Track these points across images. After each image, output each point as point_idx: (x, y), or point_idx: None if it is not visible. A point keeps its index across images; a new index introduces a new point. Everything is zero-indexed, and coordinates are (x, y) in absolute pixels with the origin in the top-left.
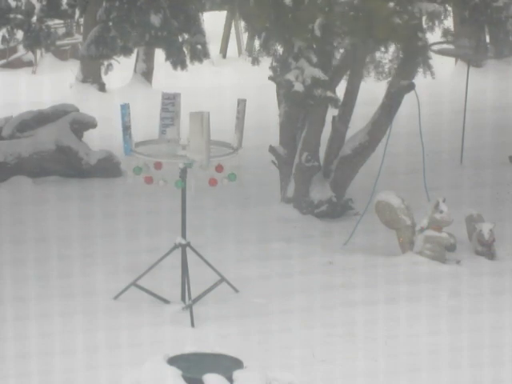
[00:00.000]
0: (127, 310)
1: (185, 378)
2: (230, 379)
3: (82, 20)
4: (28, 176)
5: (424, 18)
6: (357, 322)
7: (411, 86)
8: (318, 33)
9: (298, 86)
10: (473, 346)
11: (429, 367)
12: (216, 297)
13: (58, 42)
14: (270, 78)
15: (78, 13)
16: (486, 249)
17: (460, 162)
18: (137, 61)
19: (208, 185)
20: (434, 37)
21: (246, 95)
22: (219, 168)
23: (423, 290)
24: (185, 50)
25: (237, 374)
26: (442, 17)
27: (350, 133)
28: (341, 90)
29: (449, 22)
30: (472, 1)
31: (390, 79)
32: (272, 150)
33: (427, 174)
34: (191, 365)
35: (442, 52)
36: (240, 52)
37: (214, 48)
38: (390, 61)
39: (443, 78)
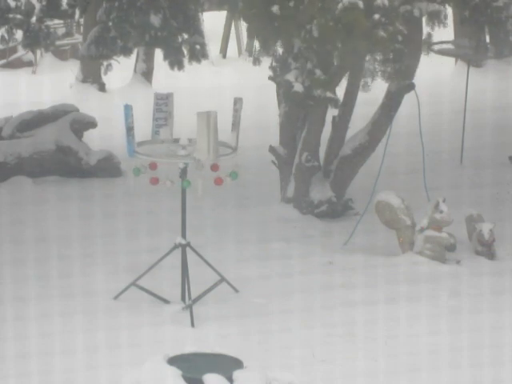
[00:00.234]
0: (127, 309)
1: (185, 378)
2: (230, 379)
3: (82, 20)
4: (28, 176)
5: (424, 18)
6: (357, 322)
7: (411, 86)
8: (315, 34)
9: (298, 87)
10: (473, 346)
11: (429, 367)
12: (216, 297)
13: (58, 42)
14: (270, 78)
15: (78, 13)
16: (486, 249)
17: (460, 162)
18: (137, 61)
19: (213, 184)
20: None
21: (246, 95)
22: (215, 167)
23: (423, 290)
24: (184, 50)
25: (237, 374)
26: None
27: (350, 133)
28: (341, 90)
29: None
30: (472, 1)
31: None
32: (272, 150)
33: (427, 174)
34: (191, 365)
35: (441, 52)
36: (240, 52)
37: (213, 48)
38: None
39: (443, 78)
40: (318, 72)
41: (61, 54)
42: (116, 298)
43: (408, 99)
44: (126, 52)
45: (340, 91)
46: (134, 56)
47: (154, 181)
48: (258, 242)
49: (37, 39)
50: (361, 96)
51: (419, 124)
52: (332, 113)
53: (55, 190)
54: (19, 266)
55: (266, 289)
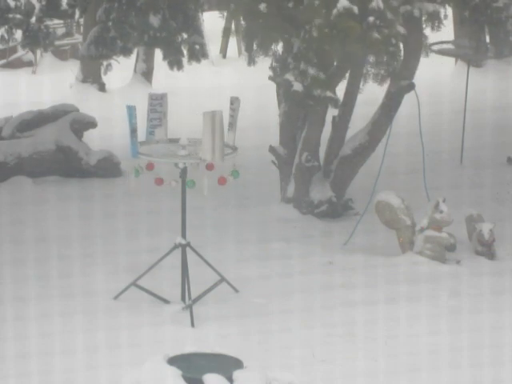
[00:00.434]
0: (127, 309)
1: (185, 378)
2: (230, 379)
3: (81, 20)
4: (28, 176)
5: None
6: (357, 322)
7: (411, 86)
8: (315, 34)
9: (297, 86)
10: (473, 346)
11: (429, 367)
12: (216, 297)
13: (58, 42)
14: (270, 78)
15: (77, 13)
16: (486, 249)
17: (460, 162)
18: (137, 61)
19: (216, 184)
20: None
21: (246, 95)
22: (210, 166)
23: (423, 289)
24: (183, 50)
25: (237, 374)
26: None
27: (350, 133)
28: (341, 90)
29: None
30: (472, 1)
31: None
32: (272, 149)
33: (427, 174)
34: (191, 365)
35: (441, 52)
36: (240, 52)
37: (213, 48)
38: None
39: (443, 78)
40: (317, 72)
41: (61, 54)
42: (116, 297)
43: (408, 99)
44: (126, 52)
45: (340, 91)
46: (133, 56)
47: (159, 181)
48: (258, 242)
49: (36, 39)
50: (361, 96)
51: (419, 124)
52: (332, 113)
53: (55, 190)
54: (19, 266)
55: (266, 289)
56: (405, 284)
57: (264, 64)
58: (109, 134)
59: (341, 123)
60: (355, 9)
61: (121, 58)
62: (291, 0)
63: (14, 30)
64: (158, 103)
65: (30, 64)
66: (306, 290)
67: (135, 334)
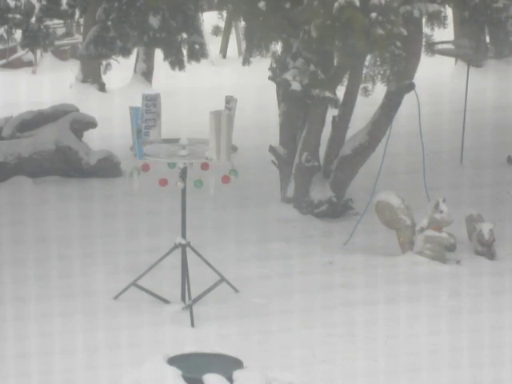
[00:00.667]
0: (127, 309)
1: (185, 378)
2: (230, 379)
3: (81, 20)
4: (28, 176)
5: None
6: (357, 322)
7: (411, 86)
8: (314, 34)
9: (296, 86)
10: (473, 346)
11: (429, 367)
12: (216, 297)
13: (58, 42)
14: (270, 78)
15: (77, 13)
16: (486, 249)
17: (460, 162)
18: (137, 61)
19: (221, 182)
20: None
21: (246, 95)
22: (205, 166)
23: (423, 289)
24: (183, 49)
25: (237, 374)
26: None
27: (350, 133)
28: (341, 90)
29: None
30: (472, 1)
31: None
32: (272, 149)
33: (427, 174)
34: (191, 365)
35: (442, 52)
36: (240, 52)
37: (213, 48)
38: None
39: (443, 78)
40: (316, 71)
41: (61, 54)
42: (116, 297)
43: (408, 99)
44: (125, 52)
45: (340, 91)
46: (133, 56)
47: (163, 182)
48: (258, 242)
49: (36, 39)
50: (361, 96)
51: (419, 124)
52: (332, 113)
53: (55, 190)
54: (19, 266)
55: (266, 289)
56: (405, 284)
57: (264, 64)
58: (109, 134)
59: (341, 123)
60: (356, 2)
61: (121, 58)
62: (291, 0)
63: (13, 30)
64: (151, 104)
65: (30, 64)
66: (306, 290)
67: (135, 334)
